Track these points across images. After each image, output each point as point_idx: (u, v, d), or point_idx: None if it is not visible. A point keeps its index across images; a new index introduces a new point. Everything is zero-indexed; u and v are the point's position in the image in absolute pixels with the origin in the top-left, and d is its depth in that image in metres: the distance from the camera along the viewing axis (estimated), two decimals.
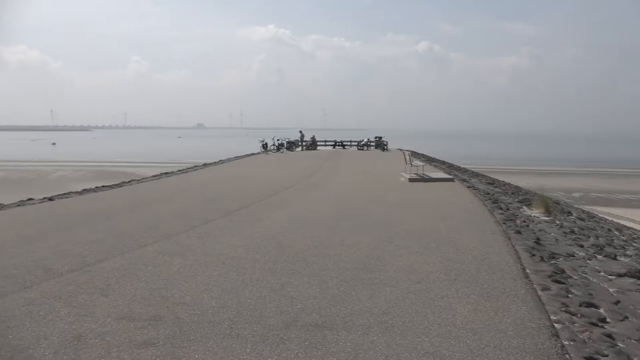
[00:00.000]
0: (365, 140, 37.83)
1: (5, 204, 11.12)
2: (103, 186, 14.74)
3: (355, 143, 38.77)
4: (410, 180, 15.43)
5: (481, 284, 5.12)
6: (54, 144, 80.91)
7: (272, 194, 12.28)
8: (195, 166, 23.51)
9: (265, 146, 34.10)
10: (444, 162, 28.43)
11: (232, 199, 11.36)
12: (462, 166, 28.02)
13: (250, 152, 33.81)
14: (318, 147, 38.02)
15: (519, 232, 7.75)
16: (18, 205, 10.90)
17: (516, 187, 18.34)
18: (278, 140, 35.25)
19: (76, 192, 13.36)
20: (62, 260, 5.96)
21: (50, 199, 11.83)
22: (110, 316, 4.23)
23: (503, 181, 19.94)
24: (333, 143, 40.25)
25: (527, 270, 5.66)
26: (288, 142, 36.01)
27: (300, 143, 37.84)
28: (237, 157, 29.24)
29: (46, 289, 4.92)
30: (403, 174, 16.92)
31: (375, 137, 37.81)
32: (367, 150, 36.09)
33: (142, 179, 17.98)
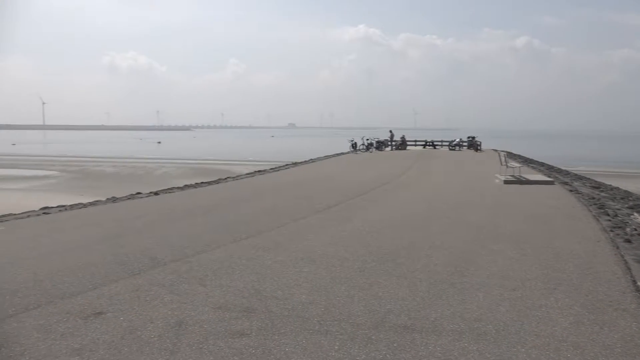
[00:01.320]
0: (457, 140, 36.65)
1: (118, 197, 12.18)
2: (202, 182, 15.63)
3: (447, 143, 37.69)
4: (506, 182, 14.72)
5: (584, 295, 4.77)
6: (159, 142, 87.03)
7: (361, 194, 12.30)
8: (287, 165, 24.17)
9: (354, 146, 34.22)
10: (542, 164, 26.78)
11: (322, 198, 11.54)
12: (564, 168, 26.20)
13: (339, 152, 34.12)
14: (408, 147, 37.47)
15: (628, 241, 7.11)
16: (128, 199, 11.88)
17: (625, 191, 16.82)
18: (367, 140, 35.21)
19: (178, 188, 14.28)
20: (166, 251, 6.40)
21: (156, 193, 12.76)
22: (207, 305, 4.48)
23: (610, 185, 18.36)
24: (423, 143, 39.45)
25: (639, 283, 5.18)
26: (377, 142, 35.85)
27: (389, 143, 37.51)
28: (326, 157, 29.64)
29: (152, 277, 5.32)
30: (498, 175, 16.18)
31: (468, 137, 36.50)
32: (459, 150, 34.95)
33: (237, 176, 18.83)
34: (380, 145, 35.87)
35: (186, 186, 14.76)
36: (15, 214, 9.74)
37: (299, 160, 26.93)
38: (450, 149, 35.77)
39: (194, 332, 3.88)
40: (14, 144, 75.29)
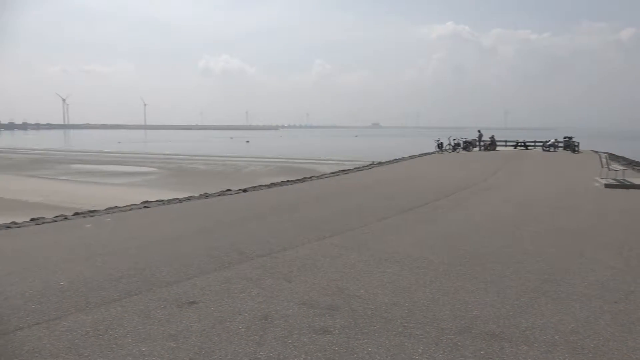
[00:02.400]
0: (552, 140, 34.48)
1: (210, 193, 12.83)
2: (287, 181, 16.03)
3: (540, 144, 35.61)
4: (607, 186, 13.62)
5: None
6: (247, 141, 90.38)
7: (446, 195, 11.98)
8: (371, 164, 24.11)
9: (440, 146, 33.38)
10: None
11: (406, 198, 11.38)
12: None
13: (424, 152, 33.44)
14: (497, 148, 35.89)
15: None
16: (219, 195, 12.47)
17: None
18: (454, 139, 34.19)
19: (265, 186, 14.76)
20: (253, 246, 6.65)
21: (244, 190, 13.28)
22: (292, 301, 4.59)
23: None
24: (514, 143, 37.59)
25: None
26: (465, 142, 34.70)
27: (478, 143, 36.15)
28: (411, 157, 29.19)
29: (240, 270, 5.55)
30: (598, 178, 15.02)
31: (565, 138, 34.21)
32: (554, 151, 32.87)
33: (322, 175, 19.08)
34: (468, 145, 34.68)
35: (272, 184, 15.22)
36: (119, 207, 10.60)
37: (383, 160, 26.75)
38: (544, 150, 33.76)
39: (279, 326, 4.00)
40: (119, 143, 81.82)
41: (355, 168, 21.64)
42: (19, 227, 8.34)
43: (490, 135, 36.53)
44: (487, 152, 32.75)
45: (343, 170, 20.44)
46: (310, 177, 17.72)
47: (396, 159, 27.37)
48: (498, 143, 36.50)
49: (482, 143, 36.17)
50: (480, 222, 8.50)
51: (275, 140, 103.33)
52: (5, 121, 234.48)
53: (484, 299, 4.67)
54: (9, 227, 8.31)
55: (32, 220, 9.05)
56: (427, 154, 31.93)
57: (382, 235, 7.41)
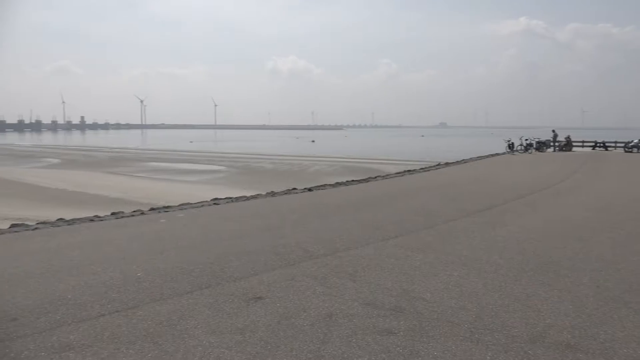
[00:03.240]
0: (636, 141, 32.18)
1: (276, 191, 13.09)
2: (352, 181, 16.04)
3: (622, 144, 33.35)
4: None
5: None
6: (313, 141, 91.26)
7: (517, 197, 11.51)
8: (438, 165, 23.61)
9: (511, 146, 32.09)
10: None
11: (474, 200, 11.06)
12: None
13: (494, 152, 32.29)
14: (573, 149, 34.00)
15: None
16: (285, 194, 12.70)
17: None
18: (526, 140, 32.76)
19: (330, 185, 14.85)
20: (318, 244, 6.71)
21: (309, 189, 13.44)
22: (357, 300, 4.60)
23: None
24: (592, 144, 35.46)
25: None
26: (538, 142, 33.16)
27: (552, 143, 34.42)
28: (479, 157, 28.29)
29: (305, 268, 5.63)
30: None
31: None
32: (638, 152, 30.66)
33: (387, 175, 18.93)
34: (541, 146, 33.12)
35: (337, 184, 15.28)
36: (191, 203, 11.06)
37: (450, 161, 26.11)
38: (627, 151, 31.61)
39: (343, 325, 4.01)
40: (191, 142, 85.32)
41: (421, 168, 21.28)
42: (102, 220, 8.91)
43: (565, 135, 34.68)
44: (562, 153, 31.13)
45: (409, 171, 20.16)
46: (376, 177, 17.63)
47: (464, 160, 26.62)
48: (574, 143, 34.59)
49: (556, 143, 34.41)
50: (554, 227, 8.10)
51: (340, 140, 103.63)
52: (89, 121, 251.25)
53: (557, 307, 4.45)
54: (92, 220, 8.91)
55: (112, 214, 9.64)
56: (497, 154, 30.81)
57: (449, 238, 7.24)
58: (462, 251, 6.43)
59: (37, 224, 8.65)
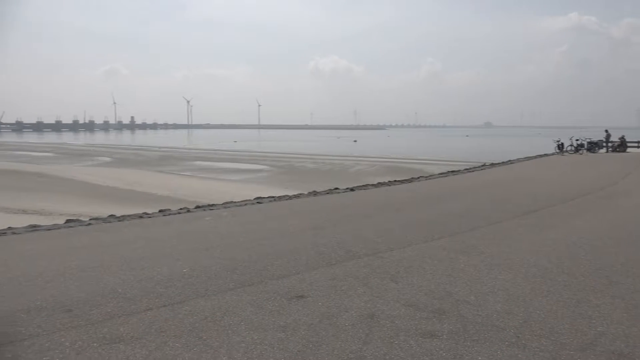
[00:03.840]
0: None
1: (318, 191, 13.15)
2: (394, 181, 15.90)
3: None
4: None
5: None
6: (355, 141, 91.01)
7: (567, 200, 11.10)
8: (483, 165, 23.07)
9: (560, 147, 30.95)
10: None
11: (521, 202, 10.74)
12: None
13: (542, 153, 31.26)
14: (628, 149, 32.45)
15: None
16: (327, 193, 12.74)
17: None
18: (577, 140, 31.53)
19: (372, 185, 14.77)
20: (360, 245, 6.70)
21: (351, 189, 13.42)
22: (399, 302, 4.56)
23: None
24: None
25: None
26: (589, 143, 31.83)
27: (604, 144, 32.98)
28: (527, 158, 27.45)
29: (347, 268, 5.63)
30: None
31: None
32: None
33: (430, 176, 18.66)
34: (593, 146, 31.77)
35: (379, 184, 15.19)
36: (235, 202, 11.26)
37: (496, 161, 25.46)
38: None
39: (385, 326, 3.99)
40: (235, 141, 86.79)
41: (465, 169, 20.84)
42: (150, 217, 9.21)
43: (620, 136, 33.14)
44: (615, 154, 29.79)
45: (452, 171, 19.80)
46: (418, 178, 17.41)
47: (510, 161, 25.89)
48: (629, 144, 33.00)
49: (609, 144, 32.95)
50: (606, 231, 7.76)
51: (383, 140, 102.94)
52: (139, 122, 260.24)
53: (610, 314, 4.26)
54: (141, 217, 9.22)
55: (160, 211, 9.95)
56: (545, 155, 29.82)
57: (494, 240, 7.07)
58: (508, 254, 6.26)
59: (90, 219, 9.03)
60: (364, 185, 14.63)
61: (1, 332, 3.86)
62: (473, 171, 19.87)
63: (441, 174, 19.22)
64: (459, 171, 19.78)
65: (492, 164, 23.49)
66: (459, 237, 7.27)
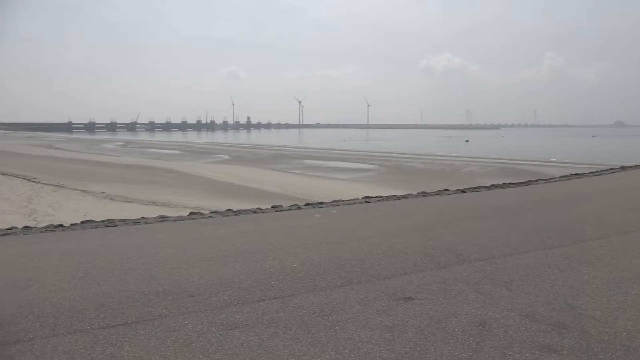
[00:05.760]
0: None
1: (427, 192, 12.87)
2: (509, 183, 15.05)
3: None
4: None
5: None
6: (466, 141, 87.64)
7: None
8: (612, 169, 20.98)
9: None
10: None
11: None
12: None
13: None
14: None
15: None
16: (436, 194, 12.42)
17: None
18: None
19: (485, 187, 14.12)
20: (471, 249, 6.45)
21: (462, 191, 12.95)
22: (513, 311, 4.32)
23: None
24: None
25: None
26: None
27: None
28: None
29: (457, 272, 5.45)
30: None
31: None
32: None
33: (550, 178, 17.38)
34: None
35: (493, 186, 14.46)
36: (343, 200, 11.42)
37: (628, 164, 23.01)
38: None
39: (497, 336, 3.81)
40: (344, 141, 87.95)
41: (591, 172, 19.09)
42: (263, 212, 9.68)
43: None
44: None
45: (576, 174, 18.24)
46: (536, 181, 16.29)
47: None
48: None
49: None
50: None
51: (497, 140, 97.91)
52: (254, 121, 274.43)
53: None
54: (255, 212, 9.72)
55: (272, 207, 10.40)
56: None
57: (625, 251, 6.40)
58: None
59: (210, 213, 9.72)
60: (476, 187, 14.03)
61: (136, 312, 4.31)
62: (600, 174, 18.14)
63: (562, 177, 17.81)
64: (583, 174, 18.18)
65: (623, 167, 21.26)
66: (583, 245, 6.69)
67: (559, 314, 4.24)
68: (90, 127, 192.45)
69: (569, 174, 19.02)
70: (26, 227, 8.29)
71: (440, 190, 13.27)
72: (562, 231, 7.58)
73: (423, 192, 13.10)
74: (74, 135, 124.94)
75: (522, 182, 15.43)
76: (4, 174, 25.86)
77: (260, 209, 10.10)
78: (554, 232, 7.48)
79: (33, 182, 22.65)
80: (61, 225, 8.38)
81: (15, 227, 8.29)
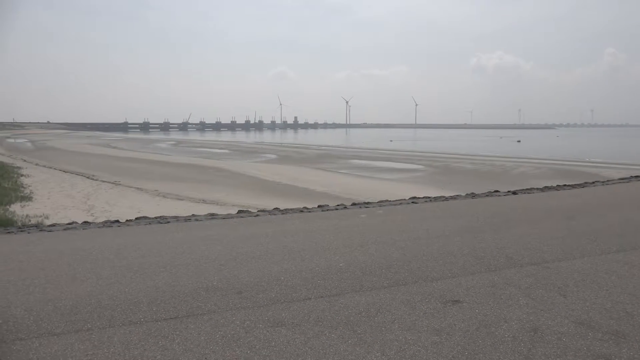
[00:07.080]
0: None
1: (477, 193, 12.57)
2: (564, 185, 14.47)
3: None
4: None
5: None
6: (518, 141, 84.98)
7: None
8: None
9: None
10: None
11: None
12: None
13: None
14: None
15: None
16: (486, 196, 12.11)
17: None
18: None
19: (537, 189, 13.64)
20: (522, 252, 6.25)
21: (514, 192, 12.56)
22: (567, 317, 4.16)
23: None
24: None
25: None
26: None
27: None
28: None
29: (507, 276, 5.30)
30: None
31: None
32: None
33: (607, 180, 16.58)
34: None
35: (546, 187, 13.95)
36: (390, 201, 11.33)
37: None
38: None
39: (550, 343, 3.68)
40: (391, 141, 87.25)
41: None
42: (309, 211, 9.74)
43: None
44: None
45: (636, 176, 17.33)
46: (593, 182, 15.59)
47: None
48: None
49: None
50: None
51: (551, 140, 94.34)
52: (301, 121, 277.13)
53: None
54: (301, 211, 9.81)
55: (319, 206, 10.46)
56: None
57: None
58: None
59: (258, 211, 9.88)
60: (528, 189, 13.58)
61: (186, 307, 4.44)
62: None
63: (622, 179, 16.95)
64: None
65: None
66: None
67: (617, 323, 4.05)
68: (145, 127, 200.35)
69: (628, 175, 18.10)
70: (85, 222, 8.71)
71: (490, 192, 12.93)
72: (622, 236, 7.22)
73: (472, 193, 12.80)
74: (130, 135, 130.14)
75: (578, 184, 14.80)
76: (66, 172, 27.29)
77: (307, 208, 10.17)
78: (612, 237, 7.13)
79: (92, 179, 23.78)
80: (117, 221, 8.76)
81: (76, 222, 8.73)
